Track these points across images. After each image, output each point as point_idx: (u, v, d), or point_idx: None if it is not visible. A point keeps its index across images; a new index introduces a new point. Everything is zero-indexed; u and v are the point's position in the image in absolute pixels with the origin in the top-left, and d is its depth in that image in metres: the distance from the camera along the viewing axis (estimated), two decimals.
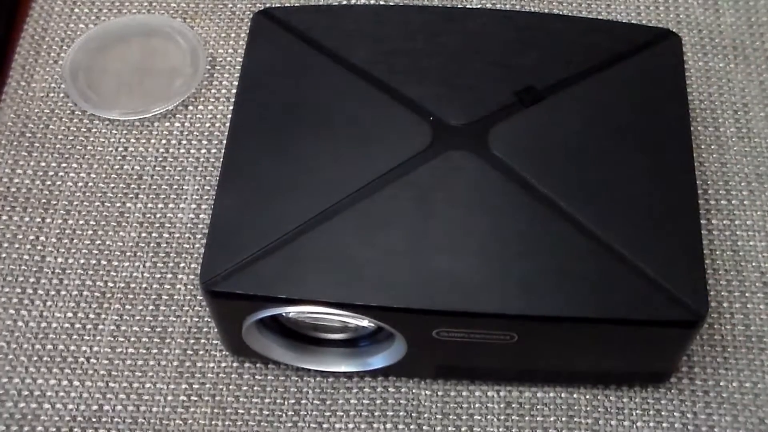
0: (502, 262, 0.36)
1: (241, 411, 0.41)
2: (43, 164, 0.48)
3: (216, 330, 0.43)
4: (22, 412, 0.41)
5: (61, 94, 0.50)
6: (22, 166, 0.48)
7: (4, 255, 0.45)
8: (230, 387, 0.42)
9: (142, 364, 0.42)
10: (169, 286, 0.44)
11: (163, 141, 0.49)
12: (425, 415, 0.41)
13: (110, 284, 0.44)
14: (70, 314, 0.44)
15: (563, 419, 0.41)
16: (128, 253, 0.45)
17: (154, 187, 0.47)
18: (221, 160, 0.40)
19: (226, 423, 0.41)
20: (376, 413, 0.41)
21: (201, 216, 0.46)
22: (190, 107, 0.50)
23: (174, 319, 0.44)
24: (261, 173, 0.39)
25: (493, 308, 0.36)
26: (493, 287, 0.36)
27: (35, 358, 0.42)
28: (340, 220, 0.37)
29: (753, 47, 0.52)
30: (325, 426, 0.41)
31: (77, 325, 0.43)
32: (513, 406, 0.41)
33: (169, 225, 0.46)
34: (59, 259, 0.45)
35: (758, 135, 0.49)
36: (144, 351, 0.43)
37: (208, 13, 0.53)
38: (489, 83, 0.41)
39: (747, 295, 0.44)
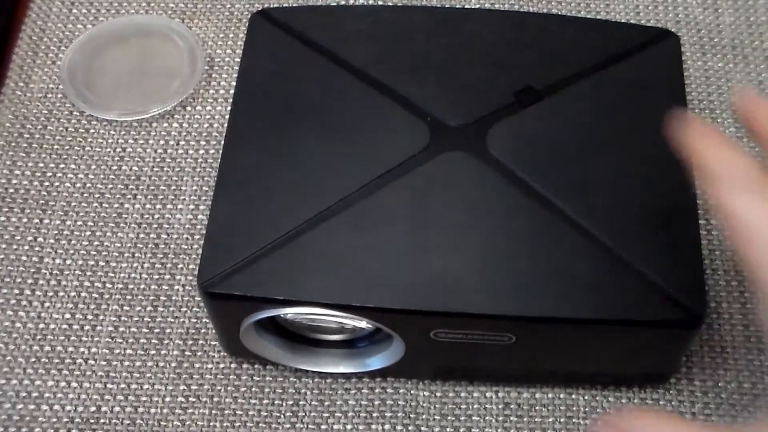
0: (500, 263, 0.36)
1: (239, 412, 0.41)
2: (41, 165, 0.48)
3: (214, 331, 0.43)
4: (20, 414, 0.41)
5: (59, 95, 0.50)
6: (20, 167, 0.48)
7: (2, 256, 0.45)
8: (228, 388, 0.42)
9: (140, 365, 0.42)
10: (167, 287, 0.44)
11: (161, 142, 0.49)
12: (423, 416, 0.41)
13: (108, 285, 0.44)
14: (68, 315, 0.44)
15: (562, 420, 0.41)
16: (126, 254, 0.45)
17: (152, 187, 0.47)
18: (219, 160, 0.40)
19: (224, 424, 0.41)
20: (374, 414, 0.41)
21: (199, 217, 0.46)
22: (188, 108, 0.50)
23: (172, 320, 0.44)
24: (258, 174, 0.39)
25: (491, 309, 0.35)
26: (491, 288, 0.36)
27: (33, 359, 0.42)
28: (338, 221, 0.37)
29: (752, 47, 0.52)
30: (323, 427, 0.41)
31: (75, 326, 0.43)
32: (511, 407, 0.41)
33: (167, 226, 0.46)
34: (57, 260, 0.45)
35: None
36: (142, 352, 0.43)
37: (206, 14, 0.53)
38: (487, 84, 0.41)
39: (746, 295, 0.44)
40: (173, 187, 0.47)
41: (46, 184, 0.47)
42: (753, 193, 0.29)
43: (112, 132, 0.49)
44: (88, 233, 0.46)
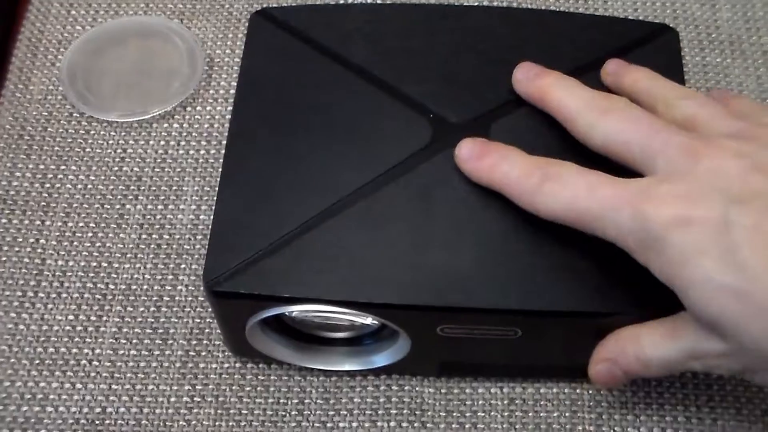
0: (504, 257, 0.36)
1: (244, 411, 0.41)
2: (42, 167, 0.48)
3: (218, 331, 0.43)
4: (24, 416, 0.41)
5: (59, 97, 0.50)
6: (21, 169, 0.48)
7: (4, 258, 0.45)
8: (233, 387, 0.42)
9: (145, 366, 0.42)
10: (170, 288, 0.44)
11: (162, 142, 0.49)
12: (429, 413, 0.41)
13: (111, 286, 0.44)
14: (71, 317, 0.44)
15: (567, 414, 0.41)
16: (129, 255, 0.45)
17: (154, 188, 0.47)
18: (221, 160, 0.40)
19: (230, 424, 0.41)
20: (379, 411, 0.41)
21: (201, 217, 0.46)
22: (189, 108, 0.50)
23: (176, 320, 0.44)
24: (262, 172, 0.39)
25: (497, 304, 0.36)
26: (497, 283, 0.36)
27: (37, 362, 0.42)
28: (342, 218, 0.37)
29: (749, 42, 0.52)
30: (329, 425, 0.41)
31: (79, 328, 0.43)
32: (516, 402, 0.41)
33: (169, 226, 0.46)
34: (59, 262, 0.45)
35: None
36: (146, 353, 0.43)
37: (205, 14, 0.53)
38: (488, 80, 0.41)
39: None
40: (174, 188, 0.47)
41: (47, 186, 0.47)
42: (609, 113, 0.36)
43: (112, 133, 0.49)
44: (90, 235, 0.46)
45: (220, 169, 0.40)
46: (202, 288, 0.43)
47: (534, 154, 0.39)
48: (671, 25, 0.44)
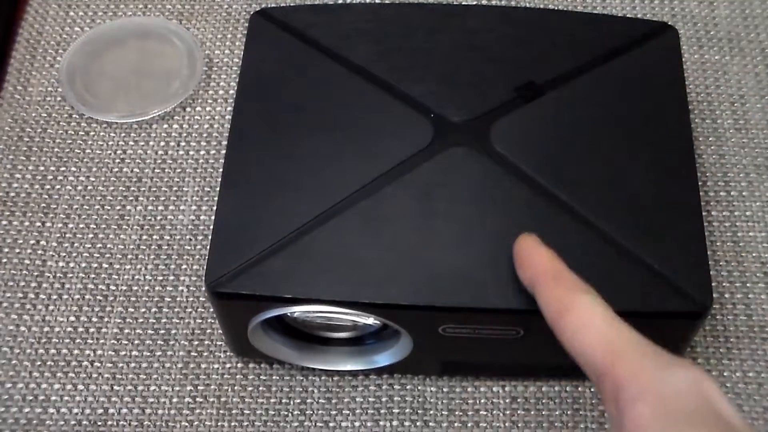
0: (506, 257, 0.36)
1: (246, 411, 0.41)
2: (41, 168, 0.48)
3: (220, 331, 0.43)
4: (27, 417, 0.41)
5: (59, 98, 0.50)
6: (21, 171, 0.48)
7: (5, 260, 0.45)
8: (235, 388, 0.42)
9: (147, 367, 0.42)
10: (171, 288, 0.44)
11: (162, 143, 0.49)
12: (431, 412, 0.41)
13: (112, 287, 0.44)
14: (72, 318, 0.44)
15: (569, 413, 0.41)
16: (129, 256, 0.45)
17: (154, 189, 0.47)
18: (222, 160, 0.40)
19: (232, 424, 0.41)
20: (382, 411, 0.41)
21: (201, 217, 0.46)
22: (188, 109, 0.50)
23: (177, 321, 0.44)
24: (263, 173, 0.39)
25: (499, 303, 0.36)
26: (499, 282, 0.36)
27: (39, 363, 0.42)
28: (344, 218, 0.37)
29: (748, 39, 0.52)
30: (331, 425, 0.41)
31: (80, 329, 0.43)
32: (519, 400, 0.41)
33: (170, 227, 0.46)
34: (60, 263, 0.45)
35: (755, 126, 0.49)
36: (148, 353, 0.43)
37: (203, 14, 0.53)
38: (489, 79, 0.41)
39: (748, 285, 0.44)
40: (175, 188, 0.47)
41: (47, 187, 0.47)
42: None
43: (112, 134, 0.49)
44: (90, 236, 0.46)
45: (221, 170, 0.40)
46: (203, 288, 0.43)
47: (535, 152, 0.39)
48: (670, 23, 0.45)
